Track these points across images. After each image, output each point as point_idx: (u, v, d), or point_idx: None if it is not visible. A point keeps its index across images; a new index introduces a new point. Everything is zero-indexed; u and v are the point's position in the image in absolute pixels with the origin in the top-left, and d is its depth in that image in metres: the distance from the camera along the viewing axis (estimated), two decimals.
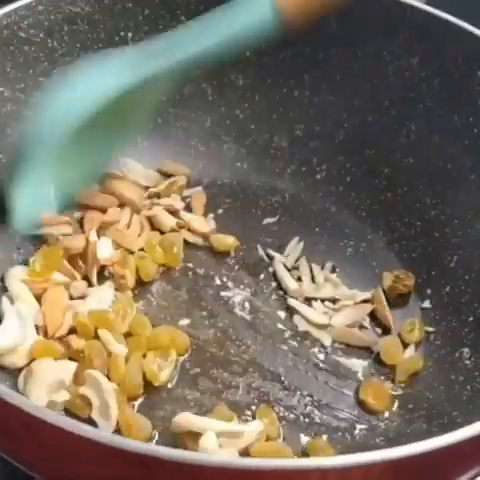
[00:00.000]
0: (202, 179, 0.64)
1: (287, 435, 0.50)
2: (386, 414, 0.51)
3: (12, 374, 0.50)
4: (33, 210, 0.54)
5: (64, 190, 0.56)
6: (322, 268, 0.59)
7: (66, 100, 0.52)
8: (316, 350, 0.54)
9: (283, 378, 0.53)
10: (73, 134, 0.52)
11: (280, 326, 0.56)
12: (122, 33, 0.61)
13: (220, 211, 0.63)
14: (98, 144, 0.55)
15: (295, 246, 0.60)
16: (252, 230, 0.61)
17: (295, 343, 0.55)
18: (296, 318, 0.56)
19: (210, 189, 0.64)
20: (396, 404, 0.52)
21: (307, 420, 0.51)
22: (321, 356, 0.54)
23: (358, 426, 0.51)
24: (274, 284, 0.58)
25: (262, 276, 0.59)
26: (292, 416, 0.51)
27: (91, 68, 0.53)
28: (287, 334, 0.55)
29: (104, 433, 0.36)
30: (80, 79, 0.53)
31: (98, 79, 0.52)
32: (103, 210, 0.59)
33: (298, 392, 0.52)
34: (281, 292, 0.58)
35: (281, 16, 0.50)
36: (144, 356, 0.51)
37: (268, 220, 0.62)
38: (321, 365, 0.54)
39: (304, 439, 0.50)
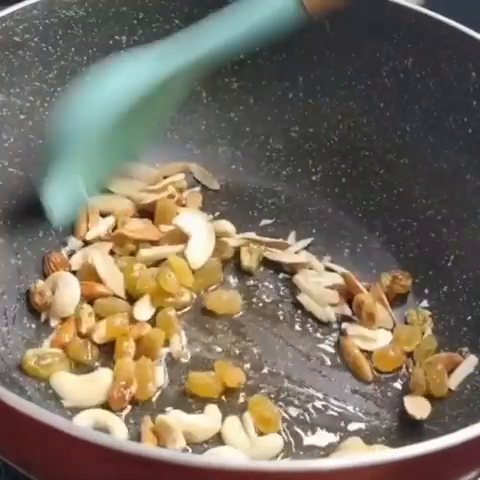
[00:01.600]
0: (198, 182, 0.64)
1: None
2: (387, 415, 0.52)
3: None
4: (66, 201, 0.55)
5: (91, 180, 0.56)
6: (320, 261, 0.60)
7: (99, 94, 0.52)
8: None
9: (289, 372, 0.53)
10: (103, 128, 0.52)
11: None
12: (116, 37, 0.61)
13: (217, 213, 0.63)
14: (124, 138, 0.55)
15: (293, 239, 0.61)
16: (249, 232, 0.61)
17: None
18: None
19: (206, 192, 0.64)
20: (398, 404, 0.52)
21: (307, 416, 0.51)
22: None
23: (359, 426, 0.51)
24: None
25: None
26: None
27: (122, 63, 0.54)
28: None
29: (107, 436, 0.36)
30: (112, 73, 0.53)
31: (130, 72, 0.53)
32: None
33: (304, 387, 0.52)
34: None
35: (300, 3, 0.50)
36: None
37: (265, 222, 0.62)
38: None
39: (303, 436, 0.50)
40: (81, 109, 0.52)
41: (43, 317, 0.54)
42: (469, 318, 0.55)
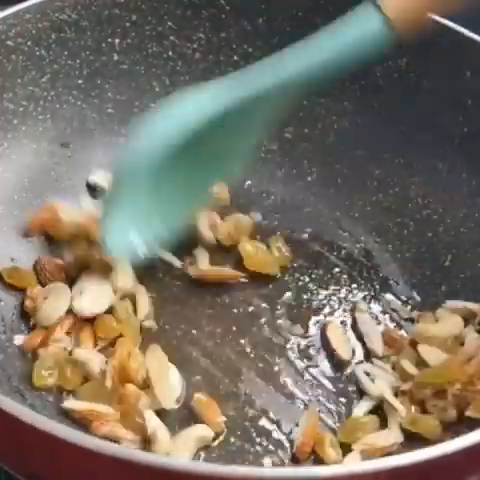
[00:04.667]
0: None
1: None
2: None
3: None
4: (127, 239, 0.54)
5: (166, 220, 0.55)
6: None
7: (162, 126, 0.51)
8: None
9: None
10: (170, 161, 0.51)
11: None
12: (109, 39, 0.61)
13: None
14: (197, 172, 0.54)
15: None
16: None
17: None
18: None
19: None
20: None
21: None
22: None
23: None
24: None
25: None
26: None
27: (186, 95, 0.51)
28: None
29: (118, 446, 0.35)
30: (176, 106, 0.51)
31: (194, 104, 0.51)
32: None
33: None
34: None
35: (391, 26, 0.48)
36: None
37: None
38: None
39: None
40: (145, 139, 0.51)
41: (32, 322, 0.54)
42: None
